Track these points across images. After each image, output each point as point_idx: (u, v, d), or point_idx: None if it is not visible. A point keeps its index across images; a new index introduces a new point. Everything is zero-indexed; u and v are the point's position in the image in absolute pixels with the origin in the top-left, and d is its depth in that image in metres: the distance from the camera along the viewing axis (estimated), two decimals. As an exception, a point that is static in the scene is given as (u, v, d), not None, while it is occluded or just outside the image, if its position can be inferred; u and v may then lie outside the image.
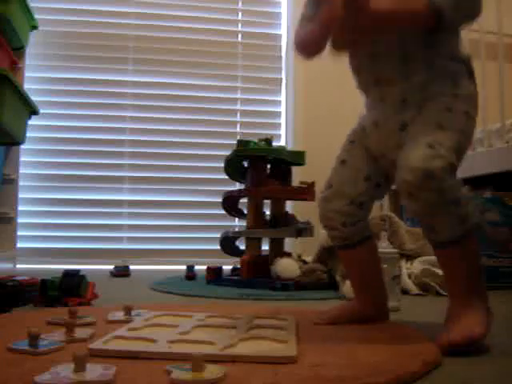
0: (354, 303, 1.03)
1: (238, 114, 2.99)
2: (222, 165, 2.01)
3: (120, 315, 0.96)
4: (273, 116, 3.02)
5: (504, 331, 0.84)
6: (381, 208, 2.48)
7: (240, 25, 3.03)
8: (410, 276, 1.60)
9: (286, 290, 1.61)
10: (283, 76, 3.01)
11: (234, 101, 2.99)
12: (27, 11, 2.28)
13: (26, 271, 2.08)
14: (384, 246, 1.25)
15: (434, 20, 0.80)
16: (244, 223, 2.01)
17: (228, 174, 2.02)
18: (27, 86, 2.44)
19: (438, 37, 0.85)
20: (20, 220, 2.60)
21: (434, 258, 1.04)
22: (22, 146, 2.46)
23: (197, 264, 2.09)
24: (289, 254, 1.87)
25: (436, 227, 0.81)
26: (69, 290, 1.18)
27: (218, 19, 2.97)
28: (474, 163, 1.93)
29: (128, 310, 0.97)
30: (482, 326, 0.77)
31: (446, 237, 0.81)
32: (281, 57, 3.03)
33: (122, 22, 2.87)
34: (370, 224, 1.01)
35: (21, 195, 2.61)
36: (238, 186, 2.13)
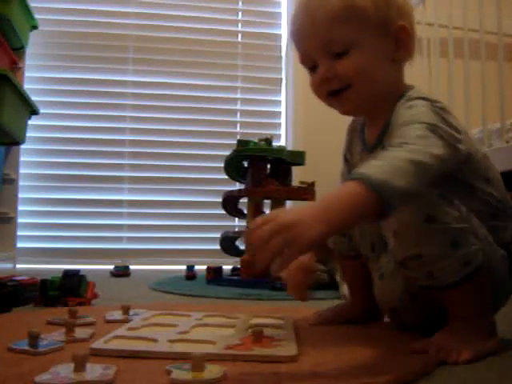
0: (349, 304, 1.02)
1: (238, 114, 2.99)
2: (222, 165, 2.01)
3: (118, 315, 0.96)
4: (273, 116, 3.02)
5: (504, 331, 0.84)
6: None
7: (240, 25, 3.03)
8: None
9: (285, 290, 1.60)
10: (283, 76, 3.01)
11: (234, 101, 2.99)
12: (27, 11, 2.28)
13: (26, 271, 2.08)
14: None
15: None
16: (244, 223, 2.01)
17: (228, 173, 2.02)
18: (27, 86, 2.44)
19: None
20: (20, 220, 2.60)
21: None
22: (22, 146, 2.46)
23: (197, 264, 2.09)
24: (289, 254, 1.86)
25: (434, 273, 0.75)
26: (69, 289, 1.18)
27: (218, 19, 2.98)
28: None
29: (126, 310, 0.97)
30: (469, 352, 0.72)
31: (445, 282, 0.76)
32: (281, 57, 3.03)
33: (122, 22, 2.88)
34: None
35: (21, 195, 2.61)
36: (238, 186, 2.13)
